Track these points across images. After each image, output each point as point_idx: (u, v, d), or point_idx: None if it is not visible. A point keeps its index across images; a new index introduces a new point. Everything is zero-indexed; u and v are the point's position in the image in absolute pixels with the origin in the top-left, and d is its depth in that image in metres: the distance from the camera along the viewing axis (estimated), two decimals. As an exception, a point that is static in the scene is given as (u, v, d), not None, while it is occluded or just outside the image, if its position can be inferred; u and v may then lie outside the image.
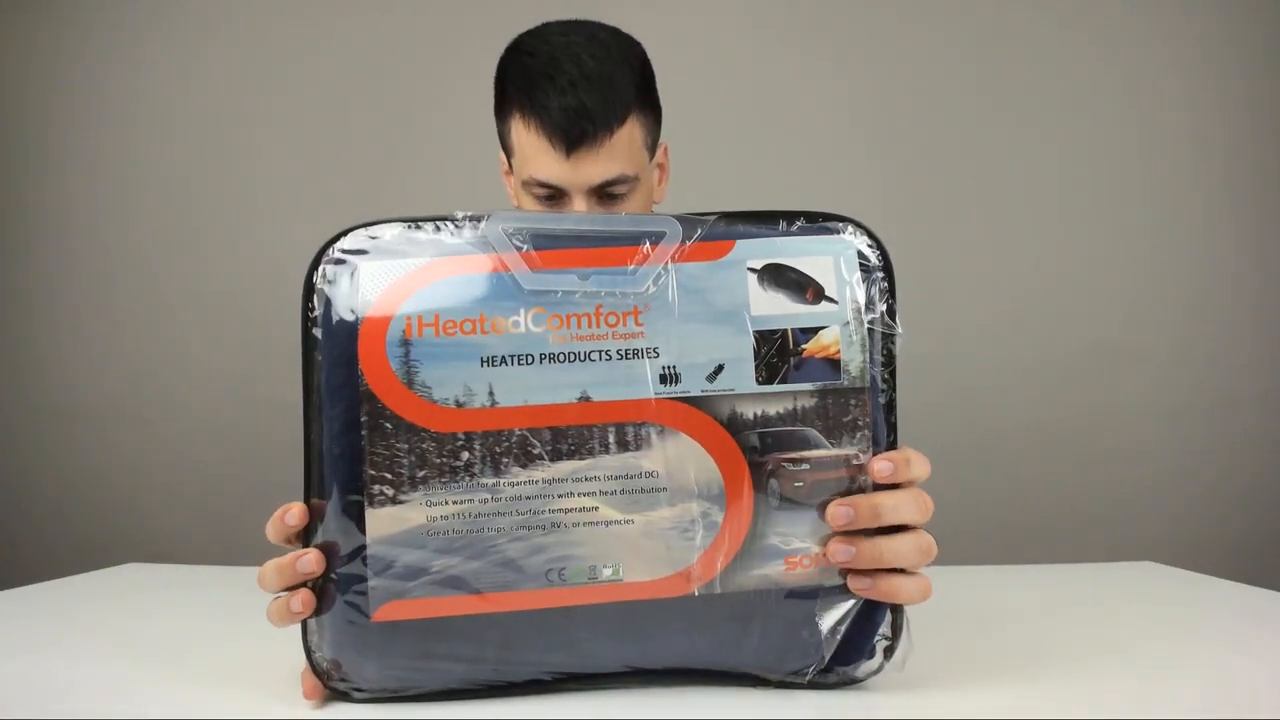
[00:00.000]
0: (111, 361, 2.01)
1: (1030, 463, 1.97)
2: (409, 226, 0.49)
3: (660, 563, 0.45)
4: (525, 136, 0.82)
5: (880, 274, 0.49)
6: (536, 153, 0.81)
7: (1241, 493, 1.97)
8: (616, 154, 0.81)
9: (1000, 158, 2.03)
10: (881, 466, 0.47)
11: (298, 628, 0.48)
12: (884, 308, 0.48)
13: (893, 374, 0.49)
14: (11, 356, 2.03)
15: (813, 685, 0.49)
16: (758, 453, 0.46)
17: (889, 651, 0.49)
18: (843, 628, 0.47)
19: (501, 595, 0.45)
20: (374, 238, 0.49)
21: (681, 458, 0.46)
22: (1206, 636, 0.63)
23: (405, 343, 0.46)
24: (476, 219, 0.48)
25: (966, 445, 1.88)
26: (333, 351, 0.46)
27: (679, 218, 0.49)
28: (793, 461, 0.46)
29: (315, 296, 0.47)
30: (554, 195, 0.83)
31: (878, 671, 0.49)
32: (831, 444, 0.47)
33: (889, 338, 0.48)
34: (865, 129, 2.02)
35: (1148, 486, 1.97)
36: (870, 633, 0.48)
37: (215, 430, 1.99)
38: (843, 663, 0.48)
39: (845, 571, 0.47)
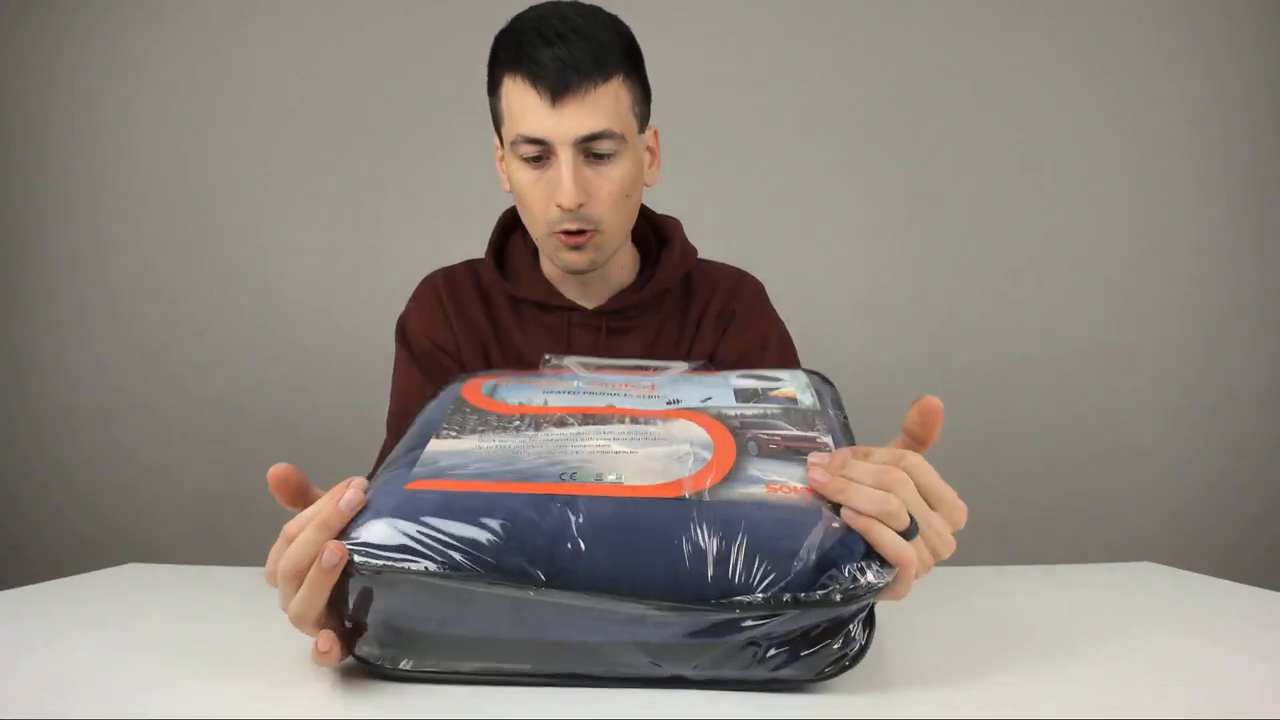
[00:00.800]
0: (112, 362, 2.02)
1: (1030, 463, 1.97)
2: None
3: (657, 477, 0.52)
4: (514, 93, 0.84)
5: (827, 386, 0.66)
6: (524, 107, 0.83)
7: (1241, 492, 1.98)
8: (602, 108, 0.83)
9: (1000, 157, 2.03)
10: (815, 474, 0.51)
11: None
12: (833, 404, 0.64)
13: (846, 416, 0.63)
14: (12, 357, 2.04)
15: (799, 603, 0.46)
16: (738, 429, 0.57)
17: (872, 581, 0.47)
18: (828, 545, 0.47)
19: (515, 484, 0.51)
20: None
21: (680, 428, 0.58)
22: (1206, 636, 0.63)
23: (495, 384, 0.66)
24: (551, 362, 0.72)
25: (966, 445, 1.89)
26: (443, 395, 0.66)
27: (686, 364, 0.73)
28: (767, 434, 0.56)
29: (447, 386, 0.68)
30: (541, 156, 0.85)
31: (885, 580, 0.47)
32: (797, 430, 0.57)
33: (841, 419, 0.62)
34: (864, 127, 2.02)
35: (1148, 486, 1.98)
36: (850, 558, 0.47)
37: (216, 431, 1.99)
38: (828, 579, 0.47)
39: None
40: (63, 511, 2.01)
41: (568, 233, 0.87)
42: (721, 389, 0.63)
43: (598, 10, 0.87)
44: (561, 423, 0.58)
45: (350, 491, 0.48)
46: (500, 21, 0.89)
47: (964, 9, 2.02)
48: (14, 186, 2.04)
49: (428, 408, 0.64)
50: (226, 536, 1.95)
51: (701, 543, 0.47)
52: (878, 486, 0.48)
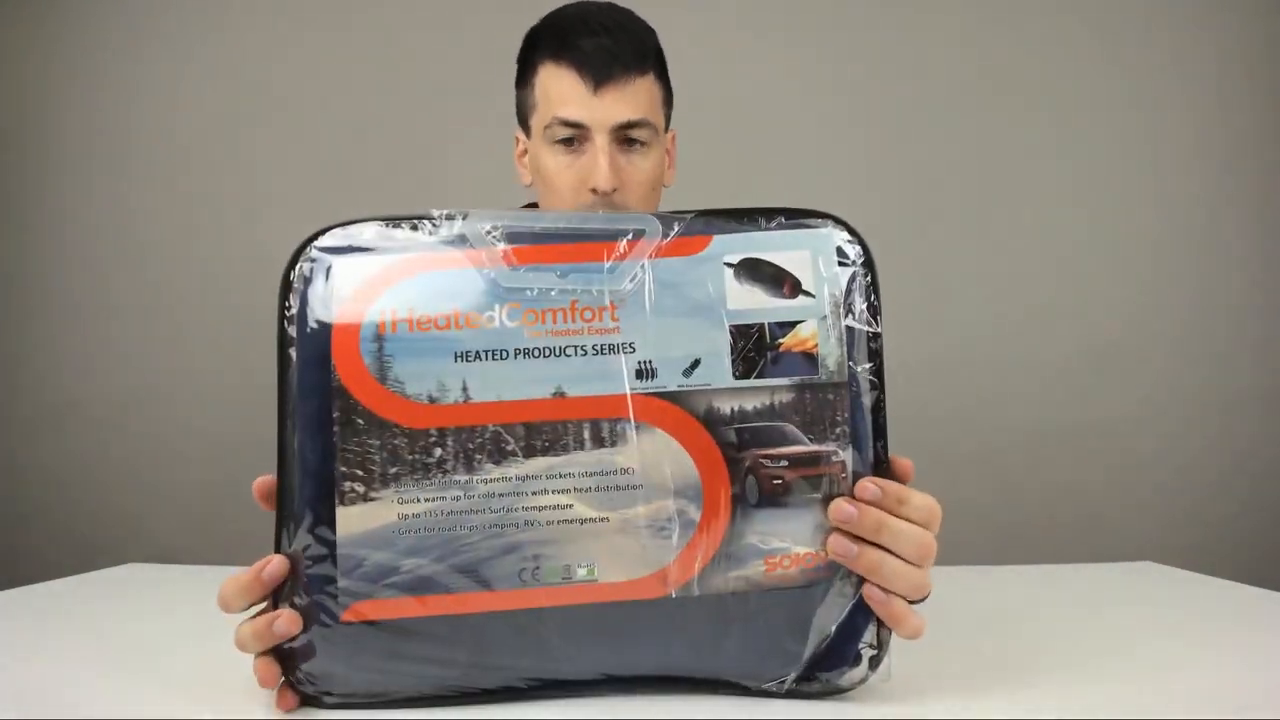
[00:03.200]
0: (111, 362, 2.01)
1: (1030, 463, 1.97)
2: (387, 225, 0.50)
3: (636, 563, 0.44)
4: (554, 79, 0.86)
5: (861, 269, 0.50)
6: (564, 92, 0.85)
7: (1241, 493, 1.97)
8: (640, 98, 0.86)
9: (1001, 160, 2.02)
10: (869, 489, 0.46)
11: None
12: (864, 305, 0.49)
13: (879, 372, 0.48)
14: (12, 357, 2.03)
15: (793, 694, 0.47)
16: (735, 449, 0.45)
17: (874, 661, 0.47)
18: (830, 630, 0.46)
19: (472, 596, 0.43)
20: (351, 236, 0.50)
21: (657, 454, 0.45)
22: (1206, 636, 0.63)
23: (379, 338, 0.46)
24: (453, 217, 0.49)
25: (967, 446, 1.88)
26: (306, 348, 0.48)
27: (657, 215, 0.49)
28: (770, 459, 0.45)
29: (291, 295, 0.49)
30: (575, 139, 0.86)
31: (862, 681, 0.47)
32: (810, 439, 0.46)
33: (873, 336, 0.49)
34: (865, 130, 2.02)
35: (1148, 487, 1.97)
36: (854, 639, 0.46)
37: (215, 430, 1.99)
38: (826, 669, 0.46)
39: (850, 574, 0.46)
40: (63, 511, 2.01)
41: None
42: (713, 329, 0.46)
43: (632, 12, 0.90)
44: (500, 451, 0.44)
45: (282, 620, 0.45)
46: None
47: (966, 10, 2.02)
48: (13, 186, 2.04)
49: (300, 395, 0.49)
50: (226, 536, 1.95)
51: (692, 641, 0.45)
52: (915, 559, 0.45)
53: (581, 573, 0.44)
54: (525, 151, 0.95)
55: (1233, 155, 2.01)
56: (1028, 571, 0.92)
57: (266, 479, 0.49)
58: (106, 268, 2.02)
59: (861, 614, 0.46)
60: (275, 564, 0.46)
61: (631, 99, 0.85)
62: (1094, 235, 2.02)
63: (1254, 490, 1.97)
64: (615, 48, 0.84)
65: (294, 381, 0.48)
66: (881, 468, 0.47)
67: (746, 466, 0.45)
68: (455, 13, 2.01)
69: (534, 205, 1.00)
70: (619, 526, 0.44)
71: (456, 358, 0.45)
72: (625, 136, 0.86)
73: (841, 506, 0.45)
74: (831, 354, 0.47)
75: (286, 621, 0.45)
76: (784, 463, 0.45)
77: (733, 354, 0.46)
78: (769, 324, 0.47)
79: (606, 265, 0.47)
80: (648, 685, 0.47)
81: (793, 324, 0.47)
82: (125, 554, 1.12)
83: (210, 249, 2.02)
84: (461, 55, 1.97)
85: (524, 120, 0.93)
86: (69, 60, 2.04)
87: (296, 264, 0.51)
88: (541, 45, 0.88)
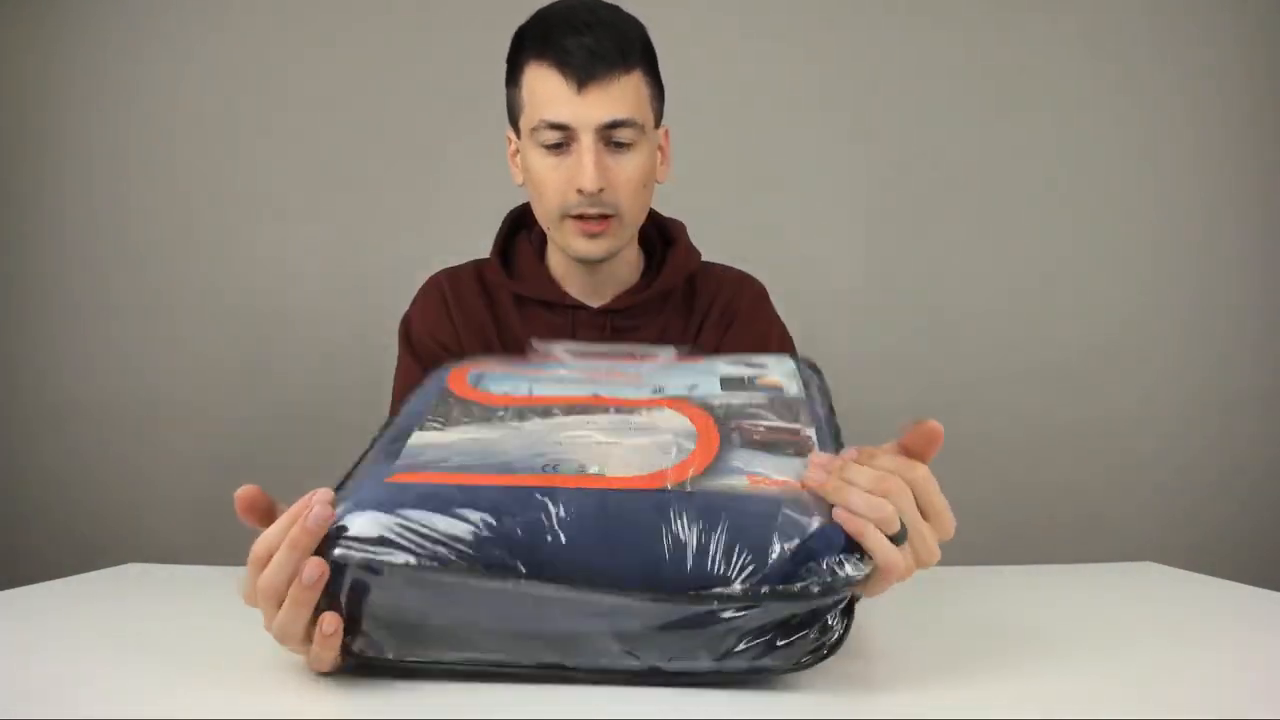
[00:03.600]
0: (111, 361, 2.02)
1: (1030, 463, 1.97)
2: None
3: (639, 468, 0.52)
4: (538, 79, 0.86)
5: (814, 375, 0.66)
6: (548, 93, 0.85)
7: (1241, 493, 1.98)
8: (625, 97, 0.86)
9: (1001, 160, 2.03)
10: (848, 451, 0.51)
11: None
12: (820, 394, 0.64)
13: (832, 409, 0.62)
14: (11, 357, 2.03)
15: (776, 595, 0.46)
16: (722, 419, 0.57)
17: (861, 562, 0.47)
18: (812, 528, 0.48)
19: (498, 475, 0.51)
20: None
21: (663, 417, 0.58)
22: (1206, 637, 0.63)
23: (480, 374, 0.66)
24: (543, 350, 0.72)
25: (967, 446, 1.88)
26: (428, 382, 0.67)
27: (674, 349, 0.71)
28: (752, 425, 0.57)
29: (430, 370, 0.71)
30: (562, 143, 0.86)
31: (848, 583, 0.46)
32: (781, 421, 0.58)
33: (828, 408, 0.62)
34: (865, 129, 2.02)
35: (1148, 486, 1.98)
36: (836, 539, 0.48)
37: (216, 430, 1.99)
38: (815, 561, 0.47)
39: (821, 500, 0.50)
40: (63, 511, 2.01)
41: (585, 218, 0.88)
42: (708, 376, 0.64)
43: (618, 8, 0.89)
44: (546, 413, 0.58)
45: (317, 508, 0.47)
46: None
47: (965, 9, 2.02)
48: (12, 187, 2.04)
49: (413, 398, 0.64)
50: (226, 536, 1.95)
51: (681, 535, 0.47)
52: (875, 492, 0.48)
53: (593, 469, 0.52)
54: (517, 151, 0.95)
55: (1233, 155, 2.01)
56: (1028, 571, 0.92)
57: (249, 491, 0.51)
58: (107, 268, 2.03)
59: (835, 531, 0.48)
60: (319, 508, 0.47)
61: (617, 97, 0.85)
62: (1094, 235, 2.02)
63: (1254, 490, 1.98)
64: (598, 46, 0.84)
65: (413, 396, 0.65)
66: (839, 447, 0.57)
67: (731, 427, 0.56)
68: (455, 12, 2.01)
69: (528, 204, 1.00)
70: (628, 448, 0.54)
71: (529, 381, 0.65)
72: (612, 137, 0.86)
73: (816, 461, 0.51)
74: (792, 388, 0.63)
75: (322, 506, 0.47)
76: (762, 427, 0.57)
77: (721, 385, 0.63)
78: (746, 375, 0.65)
79: (638, 363, 0.69)
80: (639, 593, 0.46)
81: (763, 373, 0.65)
82: (125, 554, 1.12)
83: (211, 249, 2.02)
84: (462, 55, 1.97)
85: (514, 120, 0.93)
86: (69, 61, 2.04)
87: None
88: (527, 45, 0.88)
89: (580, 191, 0.86)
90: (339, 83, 2.03)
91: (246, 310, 2.01)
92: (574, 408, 0.59)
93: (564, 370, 0.66)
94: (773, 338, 1.00)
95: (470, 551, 0.47)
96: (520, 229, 1.03)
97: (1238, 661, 0.56)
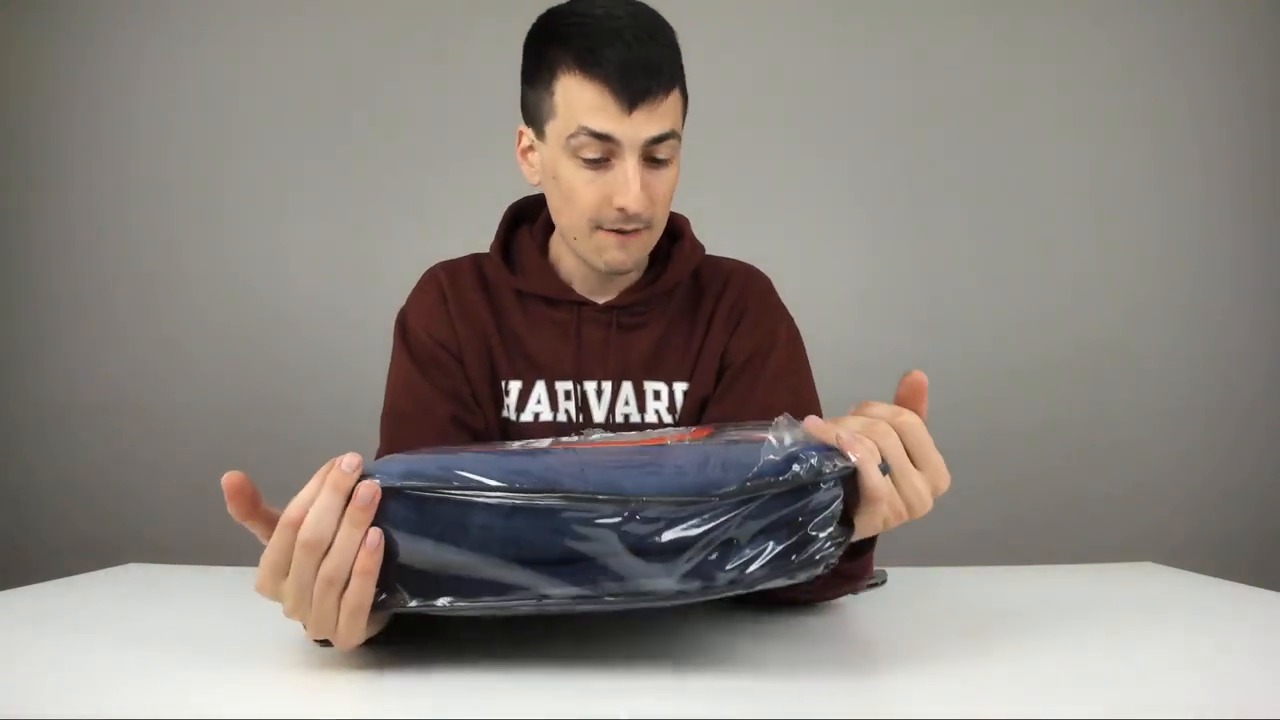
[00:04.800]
0: (112, 361, 2.01)
1: (1031, 463, 1.97)
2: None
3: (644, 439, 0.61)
4: (580, 91, 0.81)
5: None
6: (594, 107, 0.81)
7: (1241, 493, 1.97)
8: (669, 113, 0.83)
9: (1001, 158, 2.03)
10: (810, 421, 0.56)
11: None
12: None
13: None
14: (12, 357, 2.03)
15: (768, 484, 0.50)
16: (717, 431, 0.65)
17: (844, 463, 0.52)
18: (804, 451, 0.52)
19: (519, 448, 0.58)
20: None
21: (663, 433, 0.67)
22: (1206, 636, 0.63)
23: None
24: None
25: (967, 446, 1.88)
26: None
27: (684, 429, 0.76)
28: (740, 433, 0.62)
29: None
30: (602, 156, 0.83)
31: (843, 470, 0.51)
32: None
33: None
34: (869, 129, 2.02)
35: (1148, 487, 1.97)
36: (819, 452, 0.52)
37: (216, 430, 1.99)
38: (802, 460, 0.52)
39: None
40: (63, 511, 2.01)
41: (621, 231, 0.86)
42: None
43: (655, 13, 0.85)
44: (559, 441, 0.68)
45: (347, 456, 0.51)
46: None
47: (964, 8, 2.02)
48: (13, 187, 2.04)
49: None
50: (226, 536, 1.95)
51: (682, 462, 0.53)
52: (862, 433, 0.53)
53: (597, 437, 0.64)
54: (530, 149, 0.91)
55: (1234, 155, 2.01)
56: (1028, 571, 0.92)
57: (236, 477, 0.52)
58: (107, 268, 2.02)
59: (831, 455, 0.53)
60: (349, 455, 0.52)
61: (663, 115, 0.82)
62: (1094, 235, 2.02)
63: (1254, 490, 1.98)
64: (648, 61, 0.80)
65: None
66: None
67: (726, 433, 0.63)
68: (455, 11, 2.01)
69: (529, 198, 0.98)
70: (634, 436, 0.65)
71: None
72: (653, 153, 0.83)
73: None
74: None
75: (351, 456, 0.52)
76: (754, 432, 0.62)
77: None
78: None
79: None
80: (647, 497, 0.50)
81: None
82: (125, 554, 1.12)
83: (211, 249, 2.02)
84: (462, 52, 1.97)
85: (534, 120, 0.88)
86: (69, 61, 2.04)
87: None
88: (562, 48, 0.82)
89: (622, 210, 0.83)
90: (339, 82, 2.03)
91: (246, 310, 2.01)
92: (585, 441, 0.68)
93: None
94: (780, 335, 0.99)
95: (490, 480, 0.51)
96: (521, 223, 1.01)
97: (1238, 661, 0.56)
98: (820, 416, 0.94)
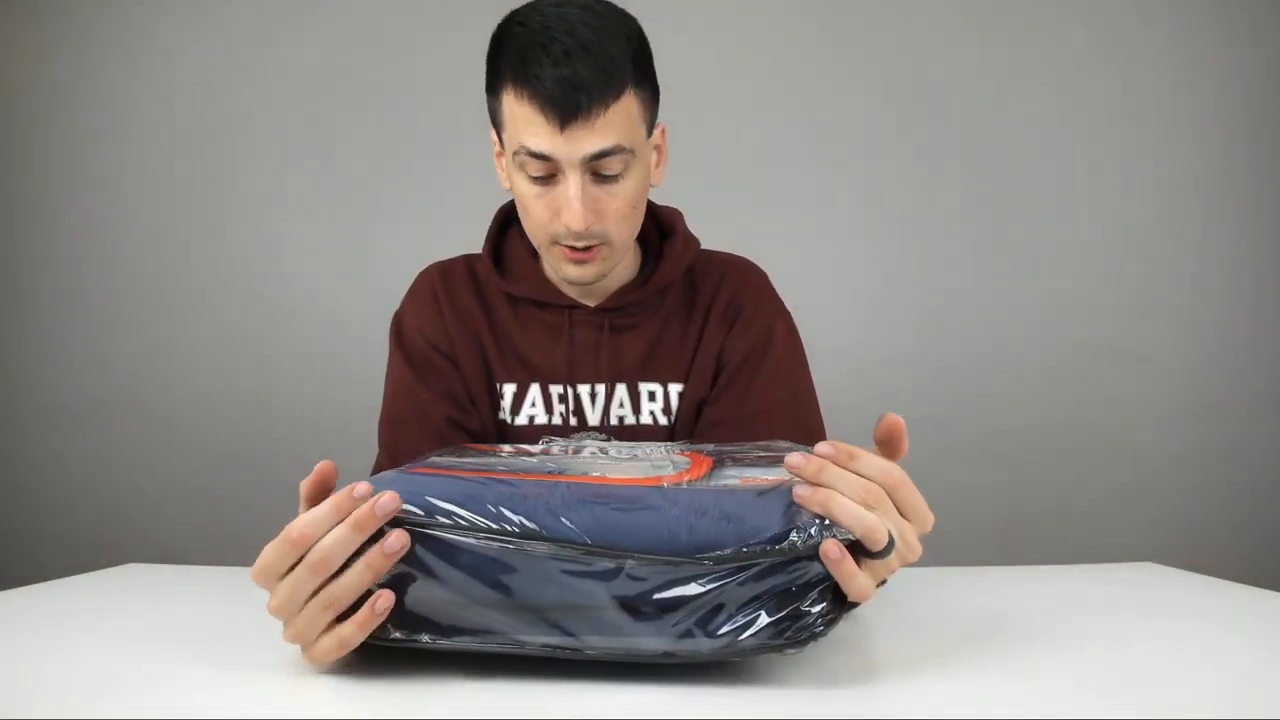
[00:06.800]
0: (112, 362, 2.02)
1: (1030, 463, 1.97)
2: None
3: (640, 474, 0.58)
4: (517, 108, 0.79)
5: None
6: (529, 124, 0.79)
7: (1242, 493, 1.98)
8: (612, 127, 0.79)
9: (1001, 157, 2.03)
10: (823, 447, 0.52)
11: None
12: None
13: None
14: (12, 357, 2.04)
15: (765, 553, 0.48)
16: (716, 456, 0.64)
17: (843, 533, 0.49)
18: (797, 517, 0.50)
19: (512, 475, 0.55)
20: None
21: (663, 453, 0.67)
22: (1206, 636, 0.63)
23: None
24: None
25: (967, 446, 1.88)
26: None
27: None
28: (738, 457, 0.63)
29: None
30: (545, 174, 0.81)
31: (826, 534, 0.49)
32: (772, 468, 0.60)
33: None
34: (868, 129, 2.02)
35: (1148, 487, 1.98)
36: (818, 520, 0.51)
37: (216, 431, 1.99)
38: (800, 529, 0.50)
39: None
40: (63, 511, 2.01)
41: (573, 248, 0.84)
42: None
43: (605, 14, 0.81)
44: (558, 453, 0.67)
45: (385, 498, 0.49)
46: (496, 18, 0.86)
47: (964, 7, 2.02)
48: (13, 187, 2.04)
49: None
50: (226, 536, 1.95)
51: (678, 512, 0.51)
52: (861, 502, 0.49)
53: (596, 473, 0.57)
54: (502, 154, 0.90)
55: (1230, 154, 2.01)
56: (1028, 571, 0.92)
57: (330, 467, 0.54)
58: (107, 268, 2.03)
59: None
60: (362, 485, 0.50)
61: (602, 131, 0.78)
62: (1095, 235, 2.02)
63: (1254, 490, 1.98)
64: (578, 78, 0.76)
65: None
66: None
67: (726, 458, 0.63)
68: (456, 10, 2.01)
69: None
70: (628, 465, 0.61)
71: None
72: (599, 168, 0.81)
73: (793, 455, 0.52)
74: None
75: (364, 485, 0.51)
76: (755, 455, 0.63)
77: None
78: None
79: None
80: (638, 555, 0.49)
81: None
82: (125, 554, 1.12)
83: (211, 249, 2.03)
84: (461, 51, 1.97)
85: (496, 127, 0.87)
86: (69, 61, 2.04)
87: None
88: (503, 64, 0.80)
89: (567, 228, 0.82)
90: (339, 81, 2.03)
91: (246, 310, 2.01)
92: (584, 447, 0.70)
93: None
94: (778, 331, 0.98)
95: (489, 526, 0.50)
96: (511, 225, 1.00)
97: (1238, 661, 0.56)
98: (818, 413, 0.95)
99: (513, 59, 0.79)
